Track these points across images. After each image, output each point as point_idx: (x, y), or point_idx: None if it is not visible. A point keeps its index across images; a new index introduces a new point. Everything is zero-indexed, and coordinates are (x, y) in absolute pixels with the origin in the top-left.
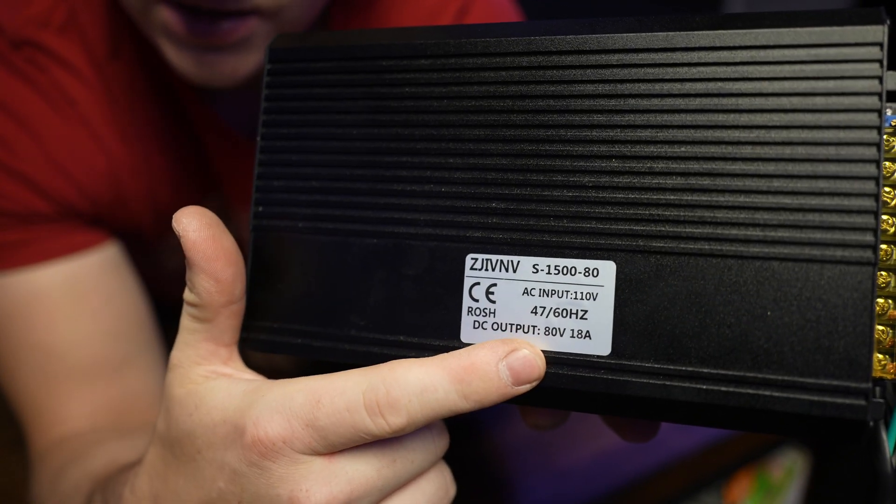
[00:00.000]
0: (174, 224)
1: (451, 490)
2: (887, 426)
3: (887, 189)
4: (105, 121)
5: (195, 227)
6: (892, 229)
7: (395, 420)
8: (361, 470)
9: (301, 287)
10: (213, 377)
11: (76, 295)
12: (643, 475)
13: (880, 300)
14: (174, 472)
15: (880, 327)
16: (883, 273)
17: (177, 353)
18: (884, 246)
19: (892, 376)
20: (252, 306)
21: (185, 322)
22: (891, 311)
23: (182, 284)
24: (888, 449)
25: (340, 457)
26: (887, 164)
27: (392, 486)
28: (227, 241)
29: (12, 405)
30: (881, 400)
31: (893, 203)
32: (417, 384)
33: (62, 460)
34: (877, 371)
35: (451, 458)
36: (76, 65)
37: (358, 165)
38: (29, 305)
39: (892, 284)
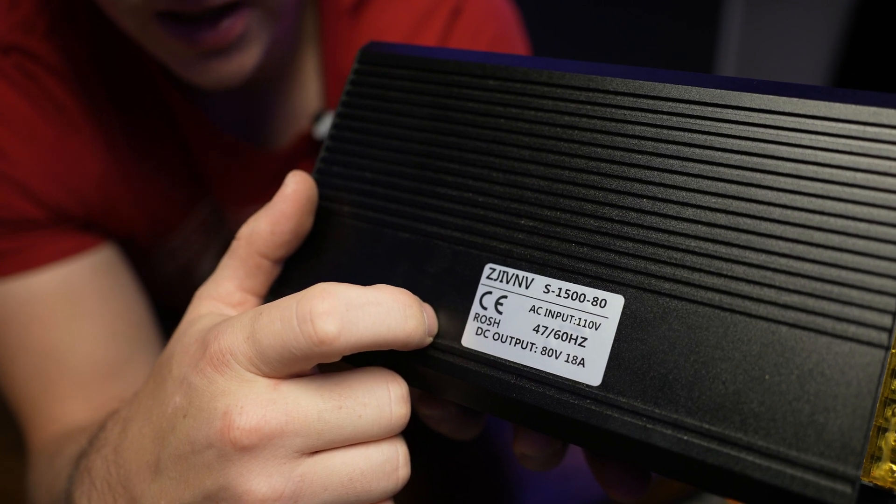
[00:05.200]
0: (290, 173)
1: (403, 471)
2: None
3: None
4: (93, 126)
5: (297, 189)
6: None
7: (325, 326)
8: (302, 405)
9: (330, 265)
10: (212, 315)
11: (71, 298)
12: None
13: None
14: (146, 395)
15: None
16: None
17: (202, 286)
18: None
19: None
20: (282, 274)
21: (223, 260)
22: None
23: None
24: None
25: (285, 385)
26: None
27: (333, 436)
28: (306, 222)
29: (11, 406)
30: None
31: None
32: (361, 297)
33: (59, 445)
34: (888, 482)
35: (454, 461)
36: (62, 70)
37: (409, 165)
38: (23, 310)
39: None
